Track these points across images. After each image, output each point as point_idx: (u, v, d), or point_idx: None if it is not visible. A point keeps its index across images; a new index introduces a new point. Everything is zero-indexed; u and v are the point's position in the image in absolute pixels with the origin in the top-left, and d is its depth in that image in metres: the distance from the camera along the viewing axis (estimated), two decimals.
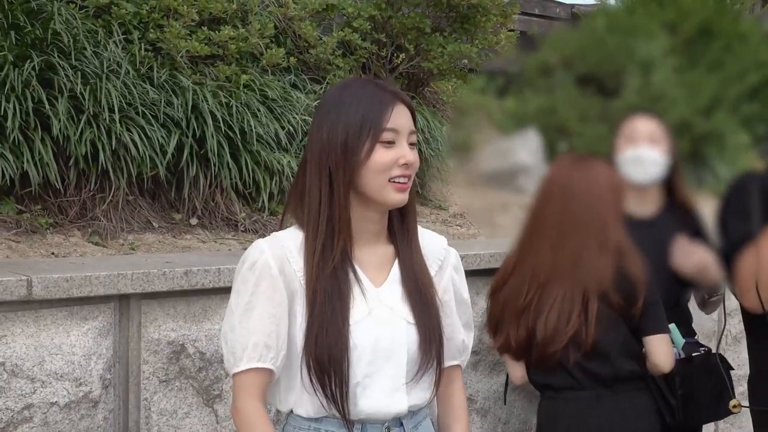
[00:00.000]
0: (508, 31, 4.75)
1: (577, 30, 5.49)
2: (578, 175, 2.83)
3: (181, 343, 2.46)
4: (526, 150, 4.77)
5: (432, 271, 1.98)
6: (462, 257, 3.05)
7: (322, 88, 3.93)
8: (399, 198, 1.86)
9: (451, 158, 4.60)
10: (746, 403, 2.66)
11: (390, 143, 1.83)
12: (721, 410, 2.76)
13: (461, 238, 3.80)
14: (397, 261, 1.93)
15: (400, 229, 1.95)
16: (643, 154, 2.93)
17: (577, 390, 2.64)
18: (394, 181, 1.84)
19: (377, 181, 1.83)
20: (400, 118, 1.85)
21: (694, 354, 2.79)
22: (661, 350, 2.64)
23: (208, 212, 3.35)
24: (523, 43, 5.74)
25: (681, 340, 2.74)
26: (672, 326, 2.68)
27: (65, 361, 2.28)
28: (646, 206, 2.93)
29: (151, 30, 3.50)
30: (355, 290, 1.86)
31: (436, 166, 4.23)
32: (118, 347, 2.40)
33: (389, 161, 1.83)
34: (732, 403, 2.70)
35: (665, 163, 2.88)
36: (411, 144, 1.87)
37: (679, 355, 2.73)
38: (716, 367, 2.75)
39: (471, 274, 3.06)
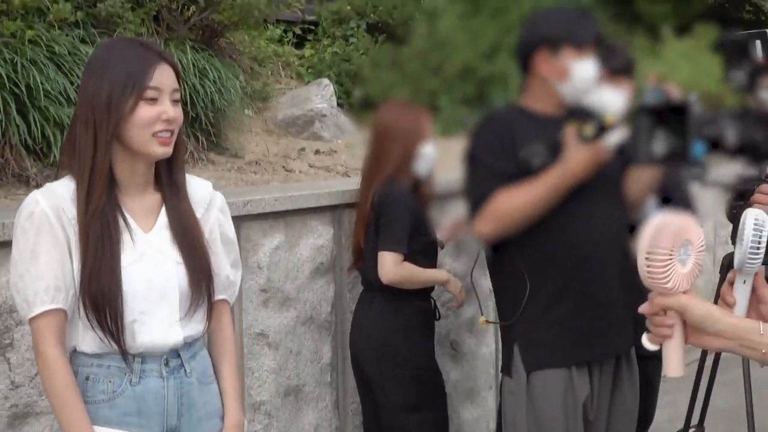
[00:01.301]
0: None
1: None
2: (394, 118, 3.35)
3: None
4: (321, 97, 4.98)
5: (198, 214, 2.17)
6: (249, 201, 3.26)
7: None
8: (162, 151, 2.03)
9: (249, 108, 4.76)
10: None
11: (153, 100, 2.00)
12: None
13: (255, 185, 3.97)
14: (164, 208, 2.11)
15: (167, 179, 2.13)
16: None
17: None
18: (157, 135, 2.01)
19: (142, 136, 2.00)
20: (162, 76, 2.02)
21: None
22: (385, 265, 3.20)
23: None
24: None
25: None
26: None
27: None
28: None
29: None
30: (125, 236, 2.03)
31: (231, 116, 4.36)
32: None
33: (152, 117, 2.00)
34: (481, 320, 3.05)
35: None
36: (174, 101, 2.05)
37: None
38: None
39: (259, 217, 3.29)
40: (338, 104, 5.18)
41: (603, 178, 2.61)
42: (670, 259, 1.55)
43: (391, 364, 3.26)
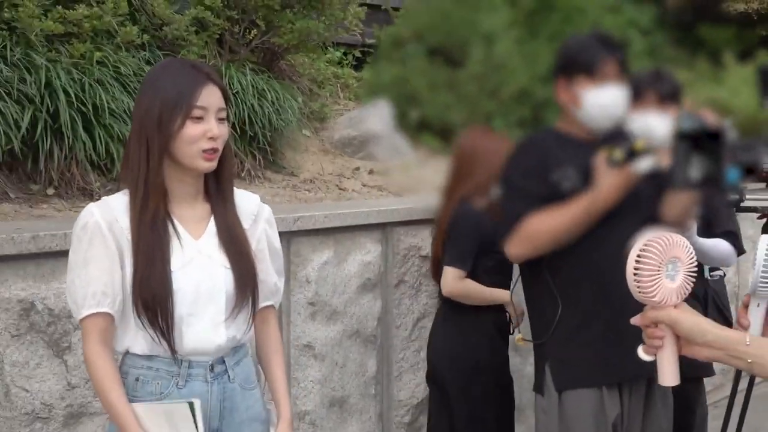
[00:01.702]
0: (358, 6, 5.04)
1: (426, 4, 5.82)
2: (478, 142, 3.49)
3: (30, 300, 2.71)
4: (378, 119, 5.11)
5: (246, 225, 2.30)
6: (300, 217, 3.39)
7: None
8: (207, 166, 2.17)
9: (306, 128, 4.90)
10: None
11: (199, 119, 2.14)
12: None
13: (308, 202, 4.11)
14: (213, 217, 2.25)
15: (215, 190, 2.27)
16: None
17: None
18: (202, 152, 2.15)
19: (189, 151, 2.14)
20: (209, 96, 2.16)
21: None
22: (446, 279, 3.30)
23: (65, 183, 3.58)
24: (376, 17, 6.06)
25: None
26: None
27: None
28: None
29: (6, 9, 3.66)
30: (175, 242, 2.17)
31: (288, 136, 4.51)
32: None
33: (198, 134, 2.14)
34: (517, 337, 3.12)
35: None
36: (220, 119, 2.19)
37: None
38: None
39: (309, 233, 3.41)
40: (395, 126, 5.29)
41: (635, 203, 2.65)
42: (658, 274, 1.63)
43: (466, 375, 3.34)
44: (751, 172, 2.80)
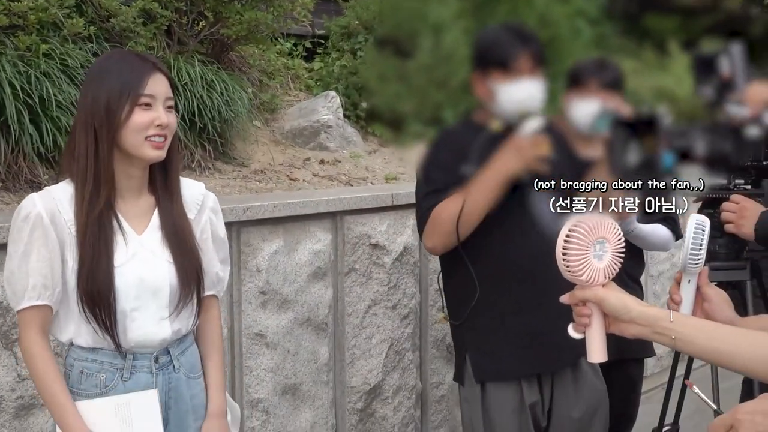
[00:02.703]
0: None
1: None
2: None
3: None
4: (328, 109, 5.14)
5: (191, 215, 2.32)
6: (249, 207, 3.41)
7: None
8: (155, 154, 2.18)
9: (257, 119, 4.92)
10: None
11: (147, 106, 2.16)
12: None
13: (259, 193, 4.12)
14: (157, 210, 2.26)
15: (161, 182, 2.28)
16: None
17: None
18: (150, 140, 2.16)
19: (136, 139, 2.15)
20: (156, 85, 2.18)
21: None
22: None
23: (12, 176, 3.56)
24: (326, 7, 6.08)
25: None
26: None
27: None
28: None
29: None
30: (119, 237, 2.18)
31: (238, 127, 4.52)
32: None
33: (146, 122, 2.15)
34: (440, 316, 3.20)
35: None
36: (168, 107, 2.20)
37: None
38: None
39: (258, 222, 3.44)
40: (345, 116, 5.32)
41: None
42: (586, 254, 1.69)
43: None
44: (685, 156, 2.89)
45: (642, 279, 5.26)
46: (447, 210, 2.65)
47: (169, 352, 2.27)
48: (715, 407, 2.05)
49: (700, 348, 1.65)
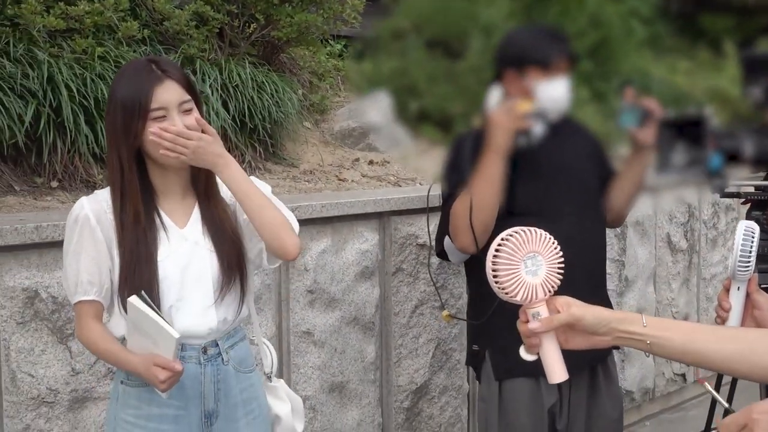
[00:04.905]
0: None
1: None
2: None
3: (34, 289, 2.80)
4: (377, 110, 5.18)
5: (231, 203, 2.38)
6: (298, 207, 3.47)
7: (176, 57, 4.25)
8: (176, 161, 2.24)
9: (307, 120, 4.98)
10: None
11: (161, 118, 2.21)
12: None
13: (308, 193, 4.18)
14: (197, 204, 2.34)
15: (201, 179, 2.36)
16: None
17: None
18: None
19: (155, 150, 2.23)
20: (165, 93, 2.22)
21: None
22: None
23: (68, 175, 3.67)
24: (376, 9, 6.12)
25: None
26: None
27: None
28: None
29: (9, 6, 3.75)
30: (161, 234, 2.28)
31: (288, 128, 4.59)
32: None
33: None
34: (444, 314, 3.21)
35: None
36: (186, 111, 2.25)
37: None
38: None
39: (307, 222, 3.49)
40: (394, 117, 5.35)
41: (571, 192, 2.74)
42: (516, 271, 1.57)
43: None
44: (733, 158, 2.88)
45: (693, 282, 5.25)
46: (461, 206, 2.71)
47: (217, 345, 2.34)
48: (726, 405, 1.98)
49: (675, 350, 1.60)
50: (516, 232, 1.58)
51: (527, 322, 1.61)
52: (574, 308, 1.60)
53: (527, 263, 1.58)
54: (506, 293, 1.58)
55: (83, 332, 2.28)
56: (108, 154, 2.28)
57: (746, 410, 1.46)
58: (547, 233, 1.61)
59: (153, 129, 2.19)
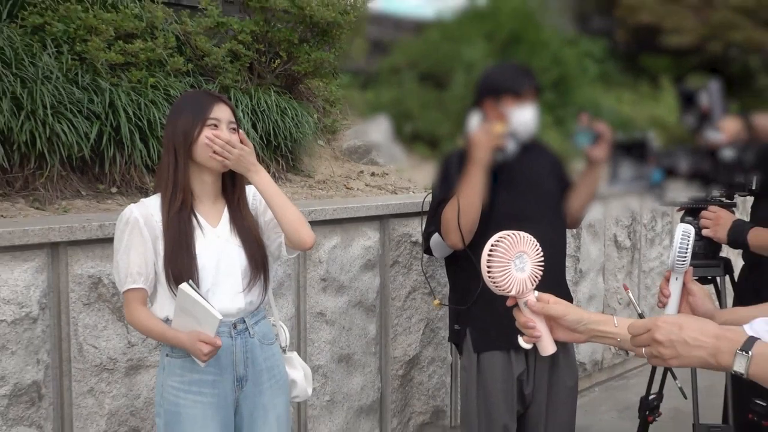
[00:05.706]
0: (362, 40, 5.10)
1: (418, 38, 5.89)
2: None
3: (98, 276, 2.80)
4: (378, 131, 5.18)
5: (251, 206, 2.40)
6: (314, 210, 3.45)
7: (215, 87, 4.25)
8: (218, 164, 2.27)
9: (321, 139, 4.98)
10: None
11: (214, 126, 2.26)
12: None
13: (321, 199, 4.18)
14: (227, 209, 2.35)
15: (230, 187, 2.38)
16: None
17: None
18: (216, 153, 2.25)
19: (205, 153, 2.24)
20: (220, 111, 2.28)
21: None
22: None
23: (125, 183, 3.66)
24: (378, 49, 6.12)
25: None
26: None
27: (10, 291, 2.60)
28: None
29: (78, 44, 3.75)
30: (198, 232, 2.29)
31: (305, 145, 4.59)
32: (52, 280, 2.72)
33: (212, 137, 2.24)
34: (435, 301, 3.21)
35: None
36: (233, 129, 2.30)
37: None
38: None
39: (321, 223, 3.48)
40: (392, 137, 5.36)
41: (540, 199, 2.77)
42: (507, 269, 1.59)
43: None
44: (671, 173, 2.88)
45: (635, 274, 5.25)
46: (450, 210, 2.72)
47: (245, 321, 2.35)
48: (640, 311, 1.99)
49: None
50: (505, 236, 1.59)
51: (523, 318, 1.65)
52: (562, 306, 1.63)
53: (516, 262, 1.59)
54: (500, 288, 1.59)
55: (133, 315, 2.26)
56: (162, 157, 2.29)
57: (654, 318, 1.46)
58: (530, 235, 1.62)
59: (207, 134, 2.22)
